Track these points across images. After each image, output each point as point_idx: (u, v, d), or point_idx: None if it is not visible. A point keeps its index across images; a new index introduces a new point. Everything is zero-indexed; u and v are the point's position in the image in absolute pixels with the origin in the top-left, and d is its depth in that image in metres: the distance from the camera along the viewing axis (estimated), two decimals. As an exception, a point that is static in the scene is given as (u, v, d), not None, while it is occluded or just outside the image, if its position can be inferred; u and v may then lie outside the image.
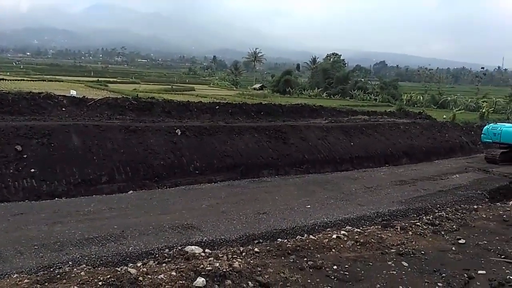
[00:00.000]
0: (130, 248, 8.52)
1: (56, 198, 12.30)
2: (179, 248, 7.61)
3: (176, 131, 16.77)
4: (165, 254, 7.28)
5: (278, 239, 8.91)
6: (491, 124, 23.06)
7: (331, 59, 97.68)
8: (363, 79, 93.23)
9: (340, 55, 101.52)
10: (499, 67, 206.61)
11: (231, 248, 7.47)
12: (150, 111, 21.78)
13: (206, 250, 7.25)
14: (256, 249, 7.27)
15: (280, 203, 12.46)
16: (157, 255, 7.71)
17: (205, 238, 9.39)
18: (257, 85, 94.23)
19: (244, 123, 20.37)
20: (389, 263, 7.11)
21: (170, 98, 29.28)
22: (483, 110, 47.48)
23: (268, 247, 7.45)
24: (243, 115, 24.48)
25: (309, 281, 6.26)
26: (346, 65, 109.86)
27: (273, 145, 18.31)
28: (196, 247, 7.31)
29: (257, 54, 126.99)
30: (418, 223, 9.42)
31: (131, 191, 13.54)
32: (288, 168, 17.75)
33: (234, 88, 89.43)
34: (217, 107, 25.44)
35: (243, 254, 7.08)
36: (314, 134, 20.17)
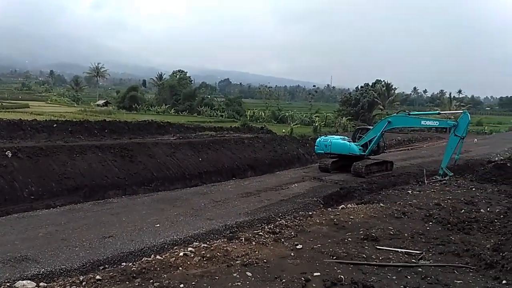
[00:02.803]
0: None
1: None
2: (8, 285, 6.82)
3: (6, 153, 15.06)
4: (-8, 293, 6.47)
5: (123, 263, 8.57)
6: (323, 137, 25.44)
7: (178, 76, 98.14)
8: (209, 96, 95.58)
9: (186, 72, 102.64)
10: (328, 85, 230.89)
11: (70, 279, 6.97)
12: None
13: (41, 284, 6.66)
14: (98, 277, 6.90)
15: (127, 225, 12.03)
16: (-17, 294, 6.81)
17: (42, 270, 8.61)
18: (101, 101, 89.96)
19: (87, 142, 19.24)
20: (235, 275, 7.33)
21: (-2, 116, 26.21)
22: (316, 124, 52.30)
23: (111, 273, 7.12)
24: (85, 133, 23.13)
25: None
26: (193, 82, 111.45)
27: (119, 164, 17.60)
28: (29, 281, 6.67)
29: (100, 69, 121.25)
30: (261, 233, 9.93)
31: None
32: (136, 187, 17.24)
33: (75, 105, 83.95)
34: (54, 125, 23.63)
35: (83, 283, 6.67)
36: (162, 151, 19.96)
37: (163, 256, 8.09)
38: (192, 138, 24.25)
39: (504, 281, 6.95)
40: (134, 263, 7.88)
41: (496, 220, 12.29)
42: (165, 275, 7.07)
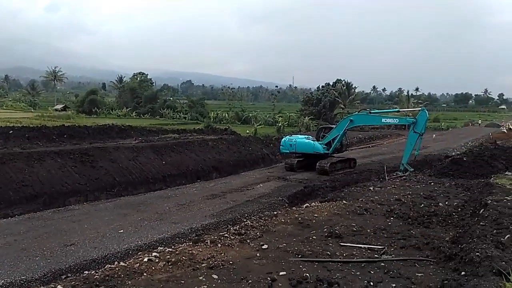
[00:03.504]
0: None
1: None
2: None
3: (-41, 162, 14.45)
4: None
5: (86, 271, 8.37)
6: (288, 136, 25.75)
7: (138, 78, 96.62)
8: (171, 98, 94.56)
9: (147, 74, 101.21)
10: (290, 85, 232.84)
11: (30, 290, 6.76)
12: None
13: (-1, 296, 6.41)
14: (59, 286, 6.73)
15: (90, 232, 11.77)
16: None
17: (2, 281, 8.37)
18: (59, 106, 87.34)
19: (45, 148, 18.69)
20: (200, 278, 7.29)
21: None
22: (279, 124, 52.66)
23: (73, 282, 6.95)
24: (43, 139, 22.44)
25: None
26: (154, 84, 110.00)
27: (79, 170, 17.18)
28: (-12, 294, 6.41)
29: (57, 73, 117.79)
30: (226, 235, 9.91)
31: None
32: (98, 193, 16.87)
33: (32, 110, 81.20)
34: (10, 131, 22.84)
35: (45, 293, 6.48)
36: (124, 155, 19.62)
37: (127, 263, 7.95)
38: (155, 141, 23.97)
39: (463, 272, 7.20)
40: (97, 271, 7.71)
41: (454, 213, 12.74)
42: (129, 282, 6.95)
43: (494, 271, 6.46)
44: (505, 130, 56.38)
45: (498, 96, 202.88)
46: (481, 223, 9.70)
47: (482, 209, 11.22)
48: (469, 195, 15.35)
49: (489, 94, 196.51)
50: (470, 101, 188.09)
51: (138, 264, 7.76)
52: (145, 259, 7.99)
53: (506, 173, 19.14)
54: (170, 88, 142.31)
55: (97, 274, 7.38)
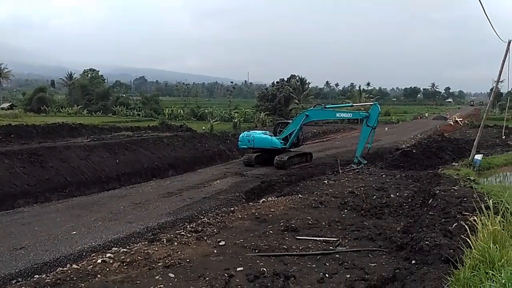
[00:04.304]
0: None
1: None
2: None
3: None
4: None
5: (36, 275, 8.09)
6: (246, 132, 25.85)
7: (89, 75, 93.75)
8: (124, 95, 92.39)
9: (98, 71, 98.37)
10: (245, 81, 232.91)
11: (-21, 296, 6.47)
12: None
13: None
14: (8, 292, 6.47)
15: (41, 234, 11.36)
16: None
17: None
18: (6, 105, 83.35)
19: (-10, 149, 17.83)
20: (157, 277, 7.22)
21: None
22: (236, 120, 52.52)
23: (23, 287, 6.72)
24: (-12, 140, 21.42)
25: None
26: (106, 81, 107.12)
27: (28, 171, 16.53)
28: None
29: (3, 70, 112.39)
30: (183, 233, 9.84)
31: None
32: (49, 194, 16.30)
33: (-26, 109, 77.22)
34: (-48, 132, 21.62)
35: (-6, 299, 6.22)
36: (75, 155, 19.04)
37: (80, 265, 7.73)
38: (108, 140, 23.41)
39: (413, 261, 7.49)
40: (49, 275, 7.44)
41: (404, 204, 13.22)
42: (82, 285, 6.77)
43: (442, 258, 6.75)
44: (452, 123, 58.85)
45: (445, 90, 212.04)
46: (430, 213, 10.11)
47: (431, 199, 11.70)
48: (418, 186, 15.96)
49: (437, 88, 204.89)
50: (419, 95, 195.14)
51: (91, 266, 7.57)
52: (99, 261, 7.80)
53: (453, 164, 20.02)
54: (123, 85, 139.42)
55: (48, 278, 7.14)
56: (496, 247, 5.81)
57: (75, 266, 7.68)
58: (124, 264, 7.71)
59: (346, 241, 9.55)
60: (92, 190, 17.66)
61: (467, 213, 8.55)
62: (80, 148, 19.89)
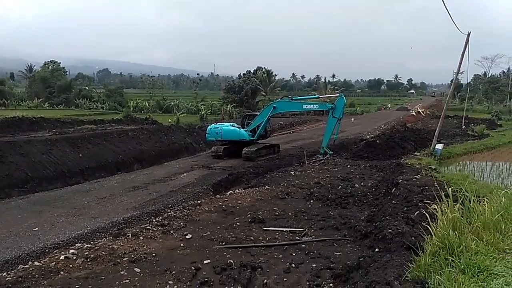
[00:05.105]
0: None
1: None
2: None
3: None
4: None
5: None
6: (213, 124, 25.76)
7: (50, 67, 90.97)
8: (87, 87, 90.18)
9: (60, 63, 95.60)
10: (212, 73, 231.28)
11: None
12: None
13: None
14: (-34, 292, 6.26)
15: (1, 231, 11.02)
16: None
17: None
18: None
19: None
20: (122, 272, 7.13)
21: None
22: (202, 113, 52.17)
23: (-18, 286, 6.50)
24: None
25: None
26: (67, 73, 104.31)
27: (-14, 167, 15.94)
28: None
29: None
30: (148, 227, 9.75)
31: None
32: (9, 190, 15.76)
33: None
34: None
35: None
36: (36, 149, 18.48)
37: (42, 262, 7.54)
38: (71, 133, 22.79)
39: (377, 249, 7.68)
40: (9, 273, 7.24)
41: (369, 193, 13.51)
42: (44, 282, 6.62)
43: (404, 246, 6.94)
44: (414, 113, 60.39)
45: (407, 81, 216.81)
46: (393, 202, 10.37)
47: (394, 188, 12.01)
48: (382, 175, 16.33)
49: (399, 79, 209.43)
50: (383, 87, 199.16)
51: (54, 263, 7.40)
52: (62, 257, 7.64)
53: (415, 153, 20.60)
54: (85, 77, 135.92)
55: (9, 276, 6.94)
56: (455, 234, 6.01)
57: (37, 263, 7.49)
58: (88, 260, 7.58)
59: (312, 231, 9.70)
60: (54, 185, 17.20)
61: (428, 201, 8.79)
62: (42, 142, 19.32)
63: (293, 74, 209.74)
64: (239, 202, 12.18)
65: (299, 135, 36.02)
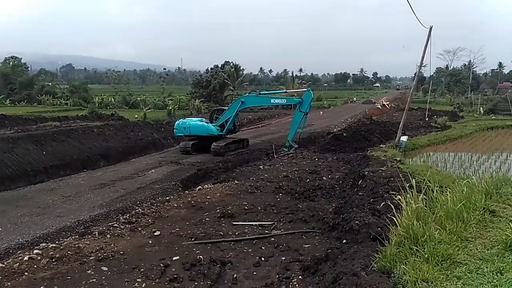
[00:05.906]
0: None
1: None
2: None
3: None
4: None
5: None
6: (181, 120, 25.57)
7: (11, 63, 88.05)
8: (50, 83, 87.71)
9: (21, 58, 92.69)
10: (179, 67, 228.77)
11: None
12: None
13: None
14: None
15: (-40, 233, 10.62)
16: None
17: None
18: None
19: None
20: (89, 271, 7.01)
21: None
22: (170, 108, 51.55)
23: None
24: None
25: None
26: (29, 69, 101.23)
27: None
28: None
29: None
30: (116, 225, 9.60)
31: None
32: (-32, 190, 15.23)
33: None
34: None
35: None
36: (-3, 148, 17.88)
37: (5, 263, 7.32)
38: (33, 131, 22.15)
39: (344, 240, 7.81)
40: (-30, 276, 7.01)
41: (336, 186, 13.72)
42: (8, 283, 6.44)
43: (371, 237, 7.09)
44: (380, 107, 61.54)
45: (372, 74, 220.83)
46: (359, 193, 10.57)
47: (360, 180, 12.24)
48: (349, 168, 16.61)
49: (365, 73, 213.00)
50: (349, 80, 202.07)
51: (18, 264, 7.20)
52: (26, 258, 7.44)
53: (381, 145, 21.01)
54: (48, 73, 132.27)
55: (-31, 279, 6.72)
56: (420, 224, 6.17)
57: (0, 265, 7.27)
58: (54, 260, 7.41)
59: (281, 224, 9.78)
60: (17, 184, 16.69)
61: (394, 192, 9.01)
62: (3, 140, 18.70)
63: (261, 68, 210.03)
64: (208, 197, 12.16)
65: (267, 129, 36.15)
